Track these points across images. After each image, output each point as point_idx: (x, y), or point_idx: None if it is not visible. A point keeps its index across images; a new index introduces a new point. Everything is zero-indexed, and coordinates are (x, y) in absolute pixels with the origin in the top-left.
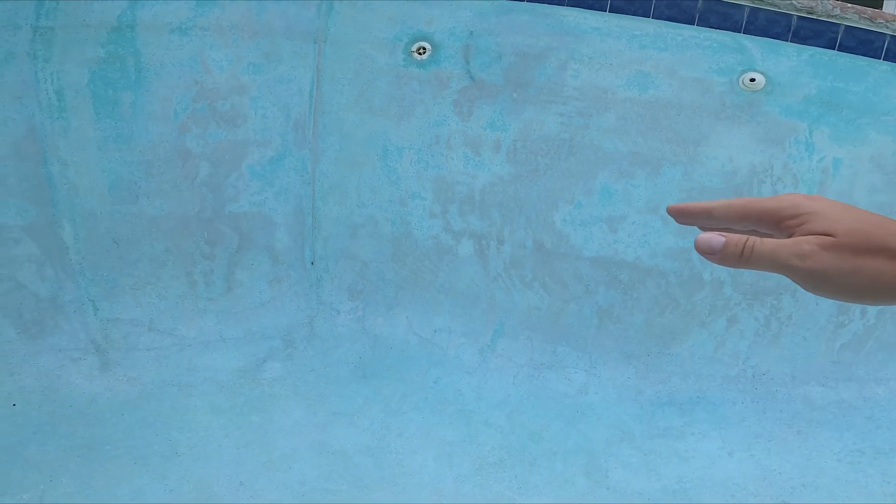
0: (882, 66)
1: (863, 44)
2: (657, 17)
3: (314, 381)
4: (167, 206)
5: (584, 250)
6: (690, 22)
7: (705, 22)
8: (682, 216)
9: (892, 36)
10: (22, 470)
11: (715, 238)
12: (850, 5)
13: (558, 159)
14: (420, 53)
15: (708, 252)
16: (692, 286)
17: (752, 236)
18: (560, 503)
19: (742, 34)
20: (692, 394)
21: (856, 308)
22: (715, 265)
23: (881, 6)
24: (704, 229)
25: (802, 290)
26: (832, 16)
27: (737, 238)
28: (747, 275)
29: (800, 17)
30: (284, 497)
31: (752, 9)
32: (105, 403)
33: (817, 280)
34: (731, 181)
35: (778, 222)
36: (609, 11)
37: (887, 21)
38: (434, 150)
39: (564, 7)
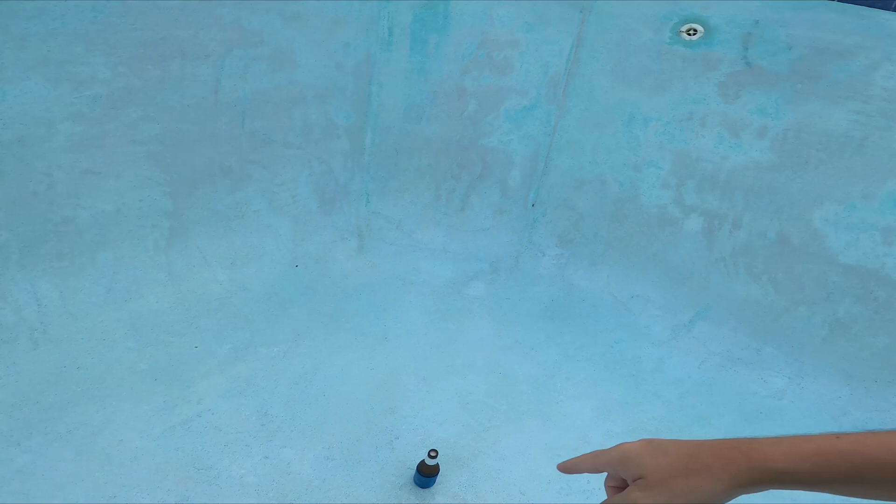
0: None
1: None
2: None
3: (508, 308)
4: (439, 129)
5: (840, 255)
6: None
7: None
8: (567, 472)
9: None
10: (282, 325)
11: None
12: None
13: (838, 156)
14: (690, 34)
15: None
16: None
17: (607, 498)
18: None
19: None
20: None
21: None
22: None
23: None
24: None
25: None
26: None
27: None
28: None
29: None
30: (452, 399)
31: None
32: (352, 281)
33: None
34: None
35: (620, 471)
36: None
37: None
38: (684, 126)
39: (890, 12)
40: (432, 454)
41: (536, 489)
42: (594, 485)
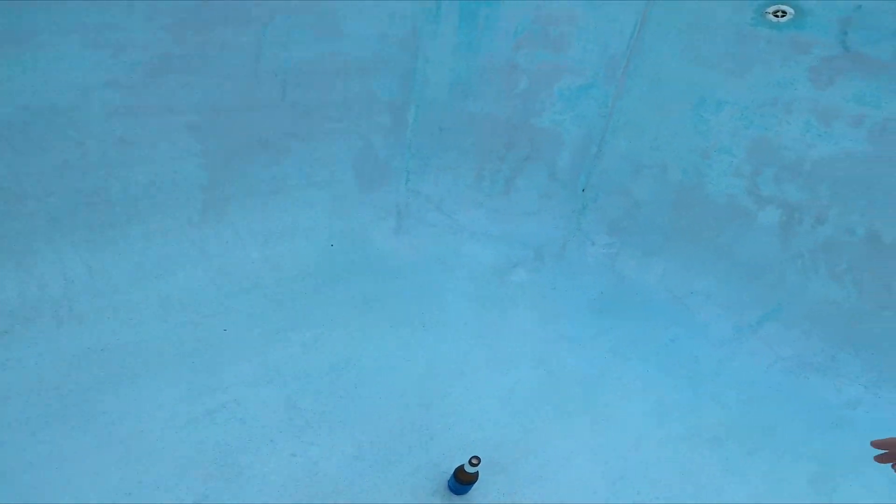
0: None
1: None
2: None
3: (553, 298)
4: (486, 107)
5: None
6: None
7: None
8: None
9: None
10: (315, 309)
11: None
12: None
13: None
14: (778, 16)
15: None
16: None
17: None
18: (775, 502)
19: None
20: None
21: None
22: None
23: None
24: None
25: None
26: None
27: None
28: None
29: None
30: (493, 397)
31: None
32: (389, 263)
33: None
34: None
35: None
36: None
37: None
38: (765, 111)
39: None
40: (473, 461)
41: (582, 497)
42: (644, 496)
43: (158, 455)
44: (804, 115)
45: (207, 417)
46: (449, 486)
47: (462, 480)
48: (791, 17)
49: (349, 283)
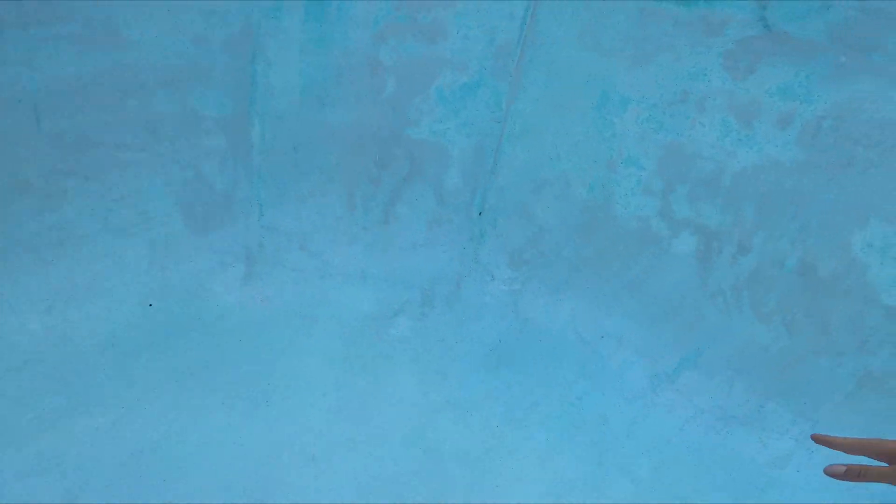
0: None
1: None
2: None
3: (440, 354)
4: (348, 117)
5: (885, 294)
6: None
7: None
8: (822, 443)
9: None
10: (117, 385)
11: (838, 467)
12: None
13: (894, 156)
14: None
15: (834, 474)
16: None
17: (864, 465)
18: None
19: None
20: None
21: None
22: None
23: None
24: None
25: None
26: None
27: (854, 466)
28: None
29: None
30: (352, 485)
31: None
32: (231, 322)
33: None
34: None
35: (889, 458)
36: None
37: None
38: (675, 110)
39: None
40: None
41: None
42: None
43: None
44: (720, 113)
45: None
46: None
47: None
48: None
49: (169, 350)
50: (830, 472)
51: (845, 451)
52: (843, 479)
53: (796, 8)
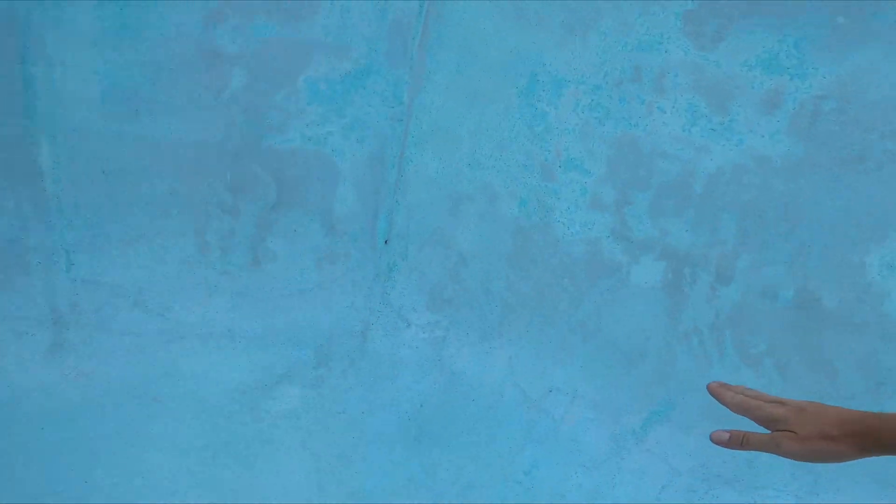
0: None
1: None
2: None
3: (341, 432)
4: (178, 128)
5: None
6: None
7: None
8: (714, 396)
9: None
10: None
11: (723, 433)
12: None
13: None
14: None
15: (719, 442)
16: None
17: (747, 432)
18: None
19: None
20: None
21: None
22: None
23: None
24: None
25: None
26: None
27: (738, 433)
28: None
29: None
30: None
31: None
32: (26, 415)
33: (788, 457)
34: None
35: (767, 424)
36: None
37: None
38: (626, 92)
39: None
40: None
41: None
42: None
43: None
44: (685, 94)
45: None
46: None
47: None
48: None
49: None
50: (715, 439)
51: (732, 410)
52: (726, 447)
53: None
